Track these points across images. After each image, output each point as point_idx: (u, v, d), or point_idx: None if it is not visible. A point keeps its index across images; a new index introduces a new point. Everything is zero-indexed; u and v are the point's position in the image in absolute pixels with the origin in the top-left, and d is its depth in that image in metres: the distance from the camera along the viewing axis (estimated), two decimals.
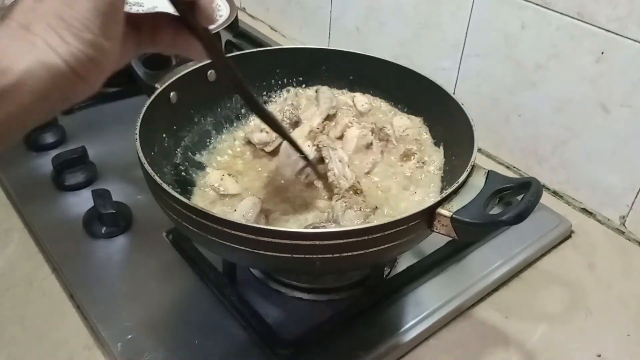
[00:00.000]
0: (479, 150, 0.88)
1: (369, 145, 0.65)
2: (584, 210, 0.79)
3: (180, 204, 0.48)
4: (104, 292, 0.62)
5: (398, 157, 0.66)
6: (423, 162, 0.65)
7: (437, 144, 0.68)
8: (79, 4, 0.33)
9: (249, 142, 0.69)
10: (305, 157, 0.61)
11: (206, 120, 0.70)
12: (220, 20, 1.02)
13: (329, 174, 0.61)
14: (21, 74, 0.32)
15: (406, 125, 0.69)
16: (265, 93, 0.75)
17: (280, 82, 0.76)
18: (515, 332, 0.61)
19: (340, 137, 0.68)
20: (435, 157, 0.66)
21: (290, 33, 1.19)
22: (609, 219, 0.77)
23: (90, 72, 0.34)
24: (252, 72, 0.74)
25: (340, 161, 0.63)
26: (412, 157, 0.65)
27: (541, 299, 0.66)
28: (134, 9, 1.06)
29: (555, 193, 0.82)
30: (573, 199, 0.80)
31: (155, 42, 0.42)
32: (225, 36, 1.02)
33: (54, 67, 0.32)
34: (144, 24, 0.41)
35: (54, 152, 0.77)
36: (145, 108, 0.59)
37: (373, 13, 0.97)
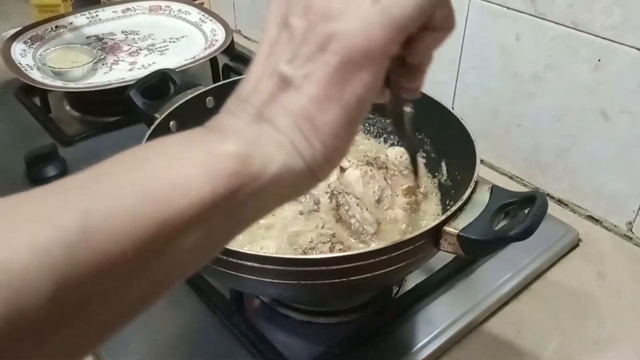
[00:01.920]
0: (482, 162, 0.88)
1: (372, 177, 0.64)
2: (590, 218, 0.78)
3: None
4: None
5: (400, 192, 0.65)
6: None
7: (438, 162, 0.68)
8: (332, 110, 0.30)
9: None
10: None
11: None
12: (217, 45, 1.03)
13: (352, 221, 0.60)
14: (270, 179, 0.29)
15: (401, 152, 0.69)
16: None
17: None
18: (528, 345, 0.60)
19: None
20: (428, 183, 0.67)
21: None
22: (615, 226, 0.76)
23: (327, 172, 0.32)
24: None
25: (358, 205, 0.61)
26: (414, 195, 0.65)
27: (552, 310, 0.65)
28: (108, 42, 1.08)
29: (560, 201, 0.81)
30: (578, 206, 0.80)
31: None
32: (222, 60, 1.03)
33: (297, 171, 0.30)
34: None
35: None
36: (145, 139, 0.59)
37: None
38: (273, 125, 0.30)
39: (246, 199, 0.28)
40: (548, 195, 0.82)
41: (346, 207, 0.60)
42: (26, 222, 0.23)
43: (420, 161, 0.70)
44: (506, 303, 0.65)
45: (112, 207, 0.25)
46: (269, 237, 0.60)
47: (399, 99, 0.40)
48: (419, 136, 0.71)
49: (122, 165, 0.28)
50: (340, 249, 0.56)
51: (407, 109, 0.41)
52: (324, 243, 0.56)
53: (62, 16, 1.12)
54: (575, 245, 0.74)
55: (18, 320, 0.22)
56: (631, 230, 0.75)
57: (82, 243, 0.23)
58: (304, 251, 0.56)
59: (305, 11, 0.30)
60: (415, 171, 0.52)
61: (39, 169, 0.82)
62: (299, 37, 0.30)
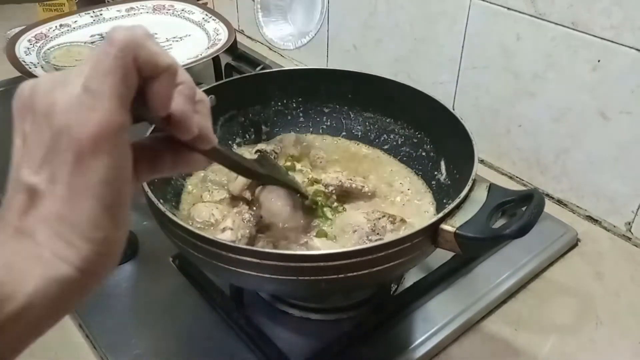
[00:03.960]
0: (481, 161, 0.88)
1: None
2: (589, 218, 0.79)
3: (184, 231, 0.49)
4: (112, 320, 0.62)
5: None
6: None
7: (437, 160, 0.68)
8: (85, 203, 0.29)
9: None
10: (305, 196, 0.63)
11: None
12: (220, 44, 1.04)
13: (364, 190, 0.65)
14: (28, 297, 0.28)
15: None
16: (261, 114, 0.76)
17: (280, 104, 0.77)
18: (526, 344, 0.61)
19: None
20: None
21: (289, 53, 1.20)
22: (614, 226, 0.77)
23: (104, 266, 0.31)
24: (251, 95, 0.74)
25: (355, 176, 0.67)
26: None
27: (550, 309, 0.65)
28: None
29: (559, 202, 0.82)
30: (578, 207, 0.80)
31: (154, 170, 0.37)
32: (225, 59, 1.04)
33: (65, 279, 0.29)
34: (141, 158, 0.35)
35: None
36: (147, 135, 0.59)
37: (370, 31, 0.98)
38: (32, 239, 0.29)
39: (8, 319, 0.27)
40: (547, 195, 0.82)
41: (353, 185, 0.65)
42: None
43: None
44: (504, 301, 0.66)
45: None
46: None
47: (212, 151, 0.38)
48: (419, 135, 0.71)
49: None
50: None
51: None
52: (379, 219, 0.60)
53: (67, 15, 1.13)
54: (574, 245, 0.74)
55: None
56: (630, 231, 0.75)
57: None
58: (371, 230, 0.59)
59: (32, 116, 0.30)
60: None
61: None
62: (33, 142, 0.30)
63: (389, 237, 0.56)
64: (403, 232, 0.49)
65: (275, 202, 0.61)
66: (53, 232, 0.29)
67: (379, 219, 0.59)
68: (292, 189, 0.61)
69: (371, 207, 0.64)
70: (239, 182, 0.63)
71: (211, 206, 0.62)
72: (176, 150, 0.36)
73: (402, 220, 0.60)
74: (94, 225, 0.29)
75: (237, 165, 0.47)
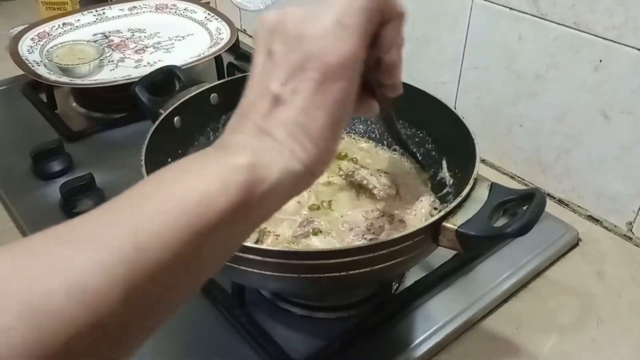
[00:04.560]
0: (483, 161, 0.89)
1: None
2: (591, 218, 0.79)
3: None
4: None
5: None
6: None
7: (439, 160, 0.68)
8: (319, 117, 0.35)
9: None
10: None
11: (209, 142, 0.71)
12: (222, 43, 1.04)
13: (374, 191, 0.65)
14: (274, 183, 0.34)
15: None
16: None
17: None
18: (527, 343, 0.61)
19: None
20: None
21: None
22: (616, 226, 0.77)
23: (322, 169, 0.37)
24: None
25: (372, 175, 0.66)
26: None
27: (551, 309, 0.65)
28: (114, 39, 1.09)
29: (560, 201, 0.82)
30: (579, 206, 0.80)
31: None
32: (227, 58, 1.04)
33: (297, 173, 0.35)
34: None
35: (61, 180, 0.78)
36: (150, 134, 0.60)
37: None
38: (272, 137, 0.35)
39: (257, 202, 0.33)
40: (549, 195, 0.82)
41: (365, 181, 0.65)
42: (89, 248, 0.28)
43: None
44: (505, 301, 0.66)
45: (155, 224, 0.29)
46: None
47: (384, 101, 0.45)
48: (420, 134, 0.72)
49: (154, 186, 0.33)
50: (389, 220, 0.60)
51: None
52: (378, 218, 0.60)
53: (69, 13, 1.13)
54: (575, 244, 0.74)
55: (98, 327, 0.26)
56: (631, 231, 0.75)
57: (138, 257, 0.28)
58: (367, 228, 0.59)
59: (283, 39, 0.36)
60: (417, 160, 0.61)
61: (44, 165, 0.83)
62: (282, 61, 0.36)
63: (384, 237, 0.56)
64: (403, 231, 0.49)
65: None
66: (290, 135, 0.35)
67: (378, 218, 0.59)
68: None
69: (372, 205, 0.64)
70: None
71: None
72: (361, 95, 0.40)
73: (401, 221, 0.60)
74: (322, 134, 0.35)
75: (391, 122, 0.56)
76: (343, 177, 0.68)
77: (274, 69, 0.36)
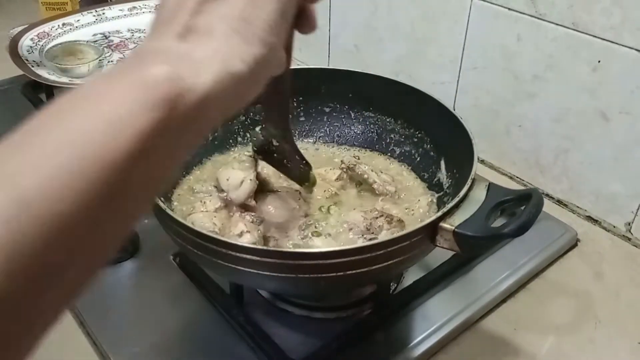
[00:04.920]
0: (482, 162, 0.89)
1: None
2: (589, 218, 0.79)
3: (185, 228, 0.49)
4: (113, 317, 0.62)
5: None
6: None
7: (437, 160, 0.68)
8: (267, 5, 0.31)
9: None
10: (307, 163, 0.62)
11: (207, 142, 0.71)
12: None
13: (374, 186, 0.65)
14: (207, 91, 0.28)
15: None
16: (262, 113, 0.76)
17: None
18: (525, 343, 0.61)
19: None
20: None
21: None
22: (614, 226, 0.77)
23: (264, 75, 0.32)
24: None
25: (372, 171, 0.67)
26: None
27: (549, 309, 0.65)
28: (114, 40, 1.08)
29: (559, 202, 0.82)
30: (578, 207, 0.80)
31: None
32: None
33: (238, 74, 0.30)
34: None
35: None
36: None
37: (371, 31, 0.98)
38: (206, 35, 0.30)
39: (188, 115, 0.28)
40: (547, 195, 0.82)
41: (365, 175, 0.65)
42: None
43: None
44: (503, 301, 0.66)
45: (44, 167, 0.23)
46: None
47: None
48: (419, 134, 0.72)
49: (51, 119, 0.26)
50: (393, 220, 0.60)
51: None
52: (376, 218, 0.59)
53: (69, 14, 1.13)
54: (573, 245, 0.74)
55: None
56: (630, 231, 0.75)
57: (23, 213, 0.22)
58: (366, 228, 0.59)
59: None
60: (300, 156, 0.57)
61: None
62: None
63: (383, 237, 0.56)
64: (400, 231, 0.49)
65: (276, 206, 0.62)
66: (232, 30, 0.30)
67: (376, 218, 0.59)
68: (298, 154, 0.60)
69: (371, 205, 0.64)
70: (244, 190, 0.62)
71: (209, 215, 0.61)
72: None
73: (400, 221, 0.60)
74: (270, 28, 0.31)
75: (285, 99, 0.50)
76: (344, 169, 0.68)
77: None
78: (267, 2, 0.31)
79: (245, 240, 0.54)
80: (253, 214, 0.60)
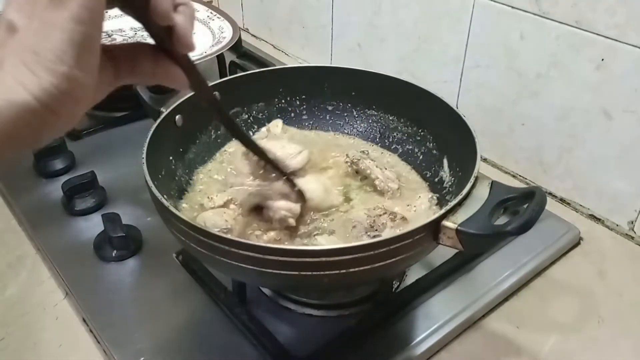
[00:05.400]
0: (485, 160, 0.89)
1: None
2: (592, 217, 0.79)
3: (188, 226, 0.49)
4: (116, 315, 0.62)
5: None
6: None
7: (440, 158, 0.68)
8: (53, 35, 0.31)
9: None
10: (284, 174, 0.60)
11: (210, 140, 0.71)
12: (224, 42, 1.04)
13: (376, 182, 0.65)
14: None
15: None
16: (265, 112, 0.76)
17: (283, 101, 0.77)
18: (527, 342, 0.61)
19: None
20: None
21: (293, 52, 1.21)
22: (617, 225, 0.77)
23: (64, 106, 0.32)
24: (255, 92, 0.75)
25: (377, 167, 0.67)
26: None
27: (552, 308, 0.65)
28: (117, 38, 1.08)
29: (562, 200, 0.82)
30: (581, 205, 0.80)
31: (134, 73, 0.40)
32: (230, 57, 1.04)
33: (21, 104, 0.31)
34: (122, 55, 0.39)
35: (63, 178, 0.78)
36: (151, 132, 0.60)
37: (374, 29, 0.98)
38: (1, 68, 0.31)
39: None
40: (550, 194, 0.82)
41: (368, 171, 0.65)
42: None
43: None
44: (506, 299, 0.66)
45: None
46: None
47: (195, 76, 0.42)
48: (422, 133, 0.72)
49: None
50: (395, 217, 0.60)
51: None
52: (380, 216, 0.60)
53: None
54: (576, 243, 0.74)
55: None
56: (633, 230, 0.75)
57: None
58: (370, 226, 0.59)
59: None
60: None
61: (47, 163, 0.83)
62: None
63: (387, 234, 0.56)
64: (404, 229, 0.49)
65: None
66: (19, 61, 0.31)
67: (380, 215, 0.59)
68: (255, 150, 0.58)
69: (374, 203, 0.64)
70: (302, 157, 0.64)
71: (219, 212, 0.61)
72: (157, 57, 0.39)
73: (403, 219, 0.60)
74: (58, 58, 0.31)
75: (210, 100, 0.49)
76: (348, 163, 0.68)
77: None
78: (55, 33, 0.31)
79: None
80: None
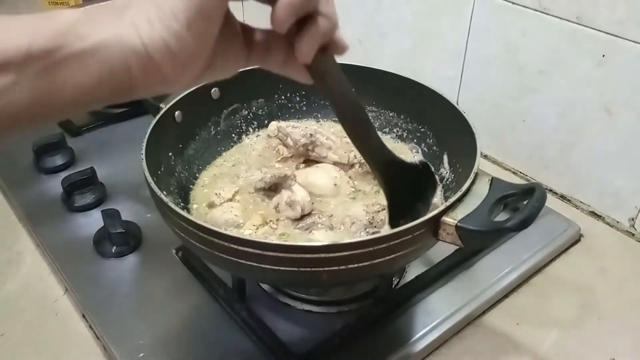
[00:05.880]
0: (485, 157, 0.88)
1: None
2: (593, 214, 0.79)
3: (187, 221, 0.49)
4: (115, 311, 0.62)
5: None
6: None
7: (440, 154, 0.68)
8: None
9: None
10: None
11: (210, 136, 0.71)
12: None
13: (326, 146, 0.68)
14: (95, 43, 0.32)
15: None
16: (265, 108, 0.76)
17: (283, 97, 0.77)
18: (527, 338, 0.61)
19: None
20: None
21: None
22: (618, 222, 0.76)
23: (167, 63, 0.34)
24: (255, 88, 0.75)
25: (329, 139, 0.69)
26: None
27: (552, 304, 0.65)
28: None
29: (563, 197, 0.81)
30: (581, 202, 0.80)
31: (265, 60, 0.41)
32: None
33: (129, 45, 0.32)
34: (258, 41, 0.40)
35: (63, 174, 0.78)
36: (150, 128, 0.60)
37: (374, 25, 0.98)
38: (126, 8, 0.33)
39: (66, 59, 0.31)
40: (551, 190, 0.82)
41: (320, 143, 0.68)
42: None
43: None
44: (506, 296, 0.66)
45: None
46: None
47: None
48: (422, 129, 0.71)
49: None
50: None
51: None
52: (379, 212, 0.60)
53: None
54: (577, 240, 0.74)
55: None
56: (633, 227, 0.75)
57: None
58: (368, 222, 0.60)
59: None
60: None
61: (46, 159, 0.83)
62: None
63: (385, 231, 0.55)
64: (403, 225, 0.49)
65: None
66: (142, 10, 0.33)
67: (379, 212, 0.59)
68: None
69: (373, 199, 0.64)
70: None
71: (227, 207, 0.62)
72: (289, 51, 0.39)
73: None
74: (173, 15, 0.32)
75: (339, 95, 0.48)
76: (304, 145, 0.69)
77: None
78: None
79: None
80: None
